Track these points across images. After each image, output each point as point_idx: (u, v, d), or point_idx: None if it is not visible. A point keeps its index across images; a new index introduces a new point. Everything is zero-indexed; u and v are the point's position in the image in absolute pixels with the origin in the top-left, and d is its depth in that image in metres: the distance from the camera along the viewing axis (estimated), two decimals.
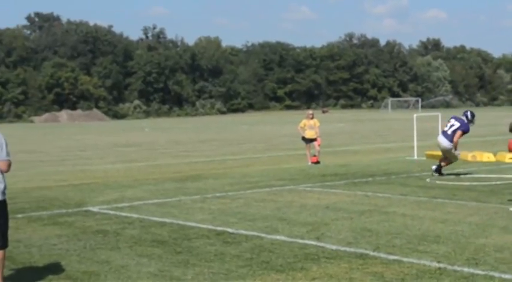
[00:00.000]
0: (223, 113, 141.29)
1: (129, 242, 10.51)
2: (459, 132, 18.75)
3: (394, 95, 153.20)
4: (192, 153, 31.64)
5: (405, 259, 8.83)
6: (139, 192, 16.86)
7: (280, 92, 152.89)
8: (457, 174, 19.08)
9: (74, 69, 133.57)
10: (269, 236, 10.60)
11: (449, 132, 18.87)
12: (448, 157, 19.04)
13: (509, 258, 8.77)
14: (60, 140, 50.38)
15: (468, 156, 23.54)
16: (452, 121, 19.15)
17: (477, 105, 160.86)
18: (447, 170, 19.76)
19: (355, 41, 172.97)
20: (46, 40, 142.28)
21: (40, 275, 8.48)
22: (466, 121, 19.06)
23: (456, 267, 8.34)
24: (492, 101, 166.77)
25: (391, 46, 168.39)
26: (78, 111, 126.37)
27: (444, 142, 18.88)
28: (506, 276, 7.89)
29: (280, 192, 16.13)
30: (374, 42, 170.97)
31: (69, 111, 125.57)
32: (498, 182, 17.00)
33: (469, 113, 19.41)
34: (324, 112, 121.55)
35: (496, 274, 7.97)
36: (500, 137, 29.59)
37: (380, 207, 13.34)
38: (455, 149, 18.88)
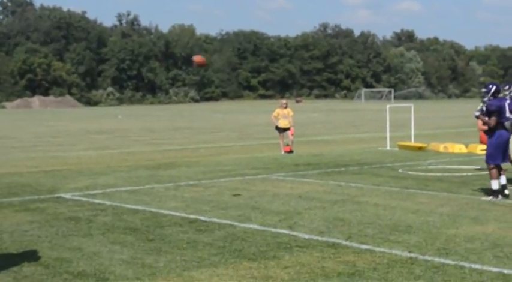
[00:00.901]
0: (196, 101, 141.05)
1: (102, 229, 10.47)
2: None
3: (368, 85, 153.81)
4: (165, 141, 31.57)
5: (377, 248, 8.89)
6: (112, 180, 16.80)
7: (254, 81, 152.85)
8: (429, 165, 19.20)
9: (47, 55, 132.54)
10: (242, 225, 10.62)
11: None
12: None
13: (479, 248, 8.86)
14: (32, 126, 50.02)
15: (440, 147, 23.74)
16: None
17: (449, 97, 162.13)
18: (419, 161, 19.90)
19: (329, 31, 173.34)
20: (19, 25, 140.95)
21: (11, 262, 8.43)
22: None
23: (427, 257, 8.40)
24: (464, 93, 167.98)
25: (365, 37, 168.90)
26: (51, 98, 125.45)
27: None
28: (476, 266, 7.97)
29: (253, 181, 16.15)
30: (348, 33, 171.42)
31: (42, 97, 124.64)
32: (469, 173, 17.14)
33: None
34: (297, 102, 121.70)
35: (466, 264, 8.05)
36: (472, 128, 29.81)
37: (352, 197, 13.41)
38: None
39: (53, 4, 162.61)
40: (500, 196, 12.97)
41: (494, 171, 13.14)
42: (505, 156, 13.33)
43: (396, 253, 8.64)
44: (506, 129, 13.23)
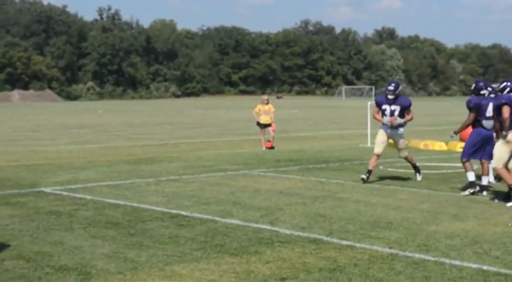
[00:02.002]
0: (177, 96, 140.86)
1: (83, 223, 10.46)
2: None
3: (348, 82, 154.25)
4: (145, 136, 31.51)
5: (358, 244, 8.93)
6: (93, 174, 16.75)
7: (235, 77, 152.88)
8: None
9: (27, 48, 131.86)
10: (223, 220, 10.63)
11: None
12: None
13: (459, 244, 8.93)
14: (11, 120, 49.74)
15: (420, 144, 23.87)
16: None
17: (430, 94, 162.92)
18: (399, 158, 20.02)
19: (310, 28, 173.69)
20: None
21: None
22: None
23: (407, 253, 8.46)
24: (444, 91, 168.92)
25: (346, 34, 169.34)
26: (31, 92, 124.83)
27: None
28: (456, 262, 8.03)
29: (234, 177, 16.16)
30: (329, 30, 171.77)
31: (21, 91, 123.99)
32: (449, 171, 17.26)
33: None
34: (278, 98, 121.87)
35: (447, 260, 8.11)
36: (452, 126, 29.96)
37: (333, 193, 13.46)
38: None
39: None
40: (477, 187, 13.14)
41: (467, 164, 13.45)
42: (483, 154, 13.46)
43: (377, 249, 8.69)
44: (485, 128, 13.32)
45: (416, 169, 15.62)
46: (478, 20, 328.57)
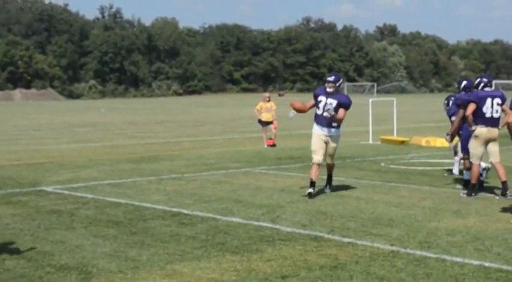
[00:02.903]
0: (179, 94, 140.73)
1: (84, 222, 10.46)
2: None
3: (350, 79, 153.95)
4: (147, 135, 31.51)
5: (359, 242, 8.93)
6: (95, 173, 16.76)
7: (237, 75, 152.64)
8: (411, 159, 19.28)
9: (29, 47, 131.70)
10: (224, 218, 10.63)
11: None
12: None
13: (461, 241, 8.93)
14: (13, 119, 49.74)
15: (422, 141, 23.85)
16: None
17: (431, 91, 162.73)
18: (401, 155, 20.00)
19: (312, 25, 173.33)
20: (0, 17, 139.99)
21: None
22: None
23: (409, 250, 8.46)
24: (446, 87, 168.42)
25: (347, 31, 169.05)
26: (33, 90, 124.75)
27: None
28: (458, 259, 8.03)
29: (235, 175, 16.16)
30: (331, 27, 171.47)
31: (23, 90, 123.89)
32: (451, 167, 17.22)
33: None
34: (280, 95, 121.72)
35: (448, 257, 8.11)
36: None
37: (335, 190, 13.45)
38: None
39: None
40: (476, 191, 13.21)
41: (467, 162, 13.57)
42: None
43: (378, 246, 8.69)
44: None
45: (330, 180, 13.66)
46: (479, 16, 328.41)
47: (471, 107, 12.67)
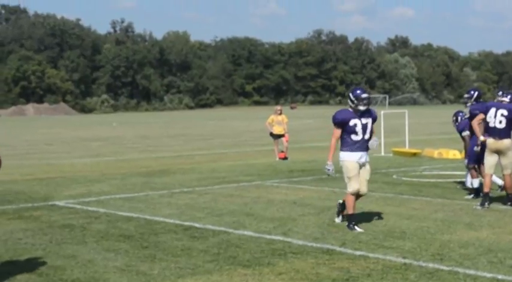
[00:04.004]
0: (191, 108, 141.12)
1: (96, 236, 10.46)
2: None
3: None
4: (159, 148, 31.56)
5: (371, 255, 8.89)
6: (106, 187, 16.78)
7: (248, 88, 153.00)
8: (423, 171, 19.21)
9: (41, 62, 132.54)
10: (236, 231, 10.61)
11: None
12: None
13: (474, 254, 8.87)
14: (26, 134, 49.96)
15: (434, 153, 23.77)
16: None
17: (444, 102, 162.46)
18: (413, 167, 19.92)
19: (323, 38, 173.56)
20: (12, 33, 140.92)
21: (5, 270, 8.41)
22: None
23: (421, 263, 8.41)
24: (458, 99, 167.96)
25: (359, 43, 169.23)
26: (45, 105, 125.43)
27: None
28: (471, 271, 7.97)
29: (247, 188, 16.14)
30: (342, 39, 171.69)
31: (36, 105, 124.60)
32: (463, 179, 17.13)
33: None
34: (292, 108, 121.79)
35: (461, 270, 8.06)
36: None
37: None
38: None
39: (46, 11, 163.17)
40: (481, 194, 13.33)
41: (473, 171, 13.90)
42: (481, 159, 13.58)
43: (390, 259, 8.64)
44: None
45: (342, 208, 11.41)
46: (491, 27, 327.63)
47: (478, 117, 13.02)
